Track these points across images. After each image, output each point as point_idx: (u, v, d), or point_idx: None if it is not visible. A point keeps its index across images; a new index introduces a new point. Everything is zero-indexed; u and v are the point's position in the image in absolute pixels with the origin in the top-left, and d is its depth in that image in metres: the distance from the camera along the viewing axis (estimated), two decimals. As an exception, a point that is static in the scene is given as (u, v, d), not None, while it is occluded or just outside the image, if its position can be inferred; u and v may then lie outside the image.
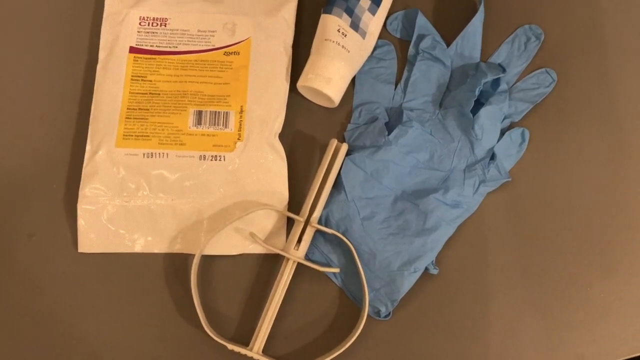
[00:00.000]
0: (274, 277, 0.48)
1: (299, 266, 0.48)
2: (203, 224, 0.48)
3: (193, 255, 0.47)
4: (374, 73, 0.52)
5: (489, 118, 0.49)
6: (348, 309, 0.48)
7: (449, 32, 0.52)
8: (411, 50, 0.52)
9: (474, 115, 0.49)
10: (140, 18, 0.51)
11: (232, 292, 0.48)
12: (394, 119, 0.51)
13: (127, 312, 0.47)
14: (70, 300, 0.47)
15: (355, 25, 0.49)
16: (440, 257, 0.49)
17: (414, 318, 0.48)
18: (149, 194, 0.48)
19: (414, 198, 0.49)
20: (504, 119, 0.50)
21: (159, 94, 0.50)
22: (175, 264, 0.48)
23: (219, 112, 0.49)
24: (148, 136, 0.49)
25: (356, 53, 0.50)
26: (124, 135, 0.49)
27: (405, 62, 0.52)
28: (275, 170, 0.49)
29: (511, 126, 0.51)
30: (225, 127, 0.49)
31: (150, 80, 0.50)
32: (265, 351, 0.46)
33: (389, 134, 0.49)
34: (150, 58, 0.50)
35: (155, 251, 0.48)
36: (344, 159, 0.49)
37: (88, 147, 0.49)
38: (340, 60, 0.49)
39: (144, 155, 0.48)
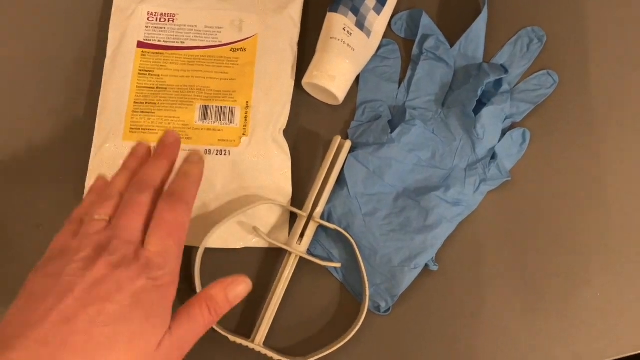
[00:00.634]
0: (276, 270, 0.49)
1: (301, 260, 0.48)
2: (207, 217, 0.49)
3: (196, 248, 0.48)
4: (378, 71, 0.52)
5: (491, 118, 0.50)
6: (348, 303, 0.49)
7: (453, 32, 0.52)
8: (415, 49, 0.52)
9: (476, 115, 0.50)
10: (148, 13, 0.52)
11: (234, 284, 0.49)
12: (397, 117, 0.51)
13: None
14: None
15: (360, 24, 0.50)
16: (440, 254, 0.49)
17: (413, 313, 0.48)
18: None
19: (415, 195, 0.49)
20: (505, 119, 0.51)
21: (166, 89, 0.50)
22: (179, 256, 0.49)
23: (224, 107, 0.50)
24: (154, 130, 0.49)
25: (361, 51, 0.50)
26: (130, 128, 0.49)
27: (409, 61, 0.53)
28: (279, 165, 0.50)
29: (512, 126, 0.51)
30: (231, 122, 0.50)
31: (158, 75, 0.50)
32: (267, 343, 0.47)
33: (392, 132, 0.50)
34: (157, 53, 0.51)
35: (159, 243, 0.49)
36: (347, 155, 0.50)
37: (95, 140, 0.49)
38: (345, 59, 0.49)
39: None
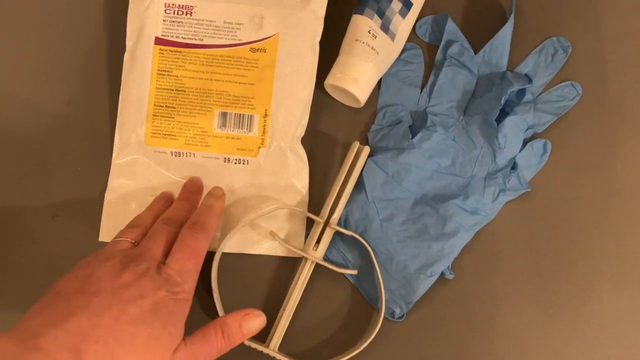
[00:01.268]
0: (292, 276, 0.49)
1: (316, 266, 0.48)
2: (224, 222, 0.49)
3: (214, 253, 0.47)
4: (401, 75, 0.51)
5: (513, 128, 0.49)
6: (362, 309, 0.49)
7: (478, 39, 0.51)
8: (439, 55, 0.52)
9: (497, 123, 0.49)
10: (165, 5, 0.50)
11: (250, 289, 0.49)
12: (418, 123, 0.51)
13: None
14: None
15: (385, 27, 0.49)
16: (456, 263, 0.49)
17: (427, 321, 0.49)
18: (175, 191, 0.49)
19: (433, 202, 0.49)
20: (527, 130, 0.50)
21: (185, 91, 0.49)
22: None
23: (243, 115, 0.49)
24: (175, 136, 0.49)
25: (385, 55, 0.49)
26: (152, 133, 0.49)
27: (432, 66, 0.52)
28: (296, 172, 0.50)
29: (534, 137, 0.51)
30: (250, 130, 0.49)
31: (176, 76, 0.49)
32: (281, 348, 0.47)
33: (412, 138, 0.49)
34: (175, 51, 0.50)
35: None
36: (366, 160, 0.49)
37: (117, 139, 0.49)
38: (369, 61, 0.48)
39: (172, 153, 0.49)
